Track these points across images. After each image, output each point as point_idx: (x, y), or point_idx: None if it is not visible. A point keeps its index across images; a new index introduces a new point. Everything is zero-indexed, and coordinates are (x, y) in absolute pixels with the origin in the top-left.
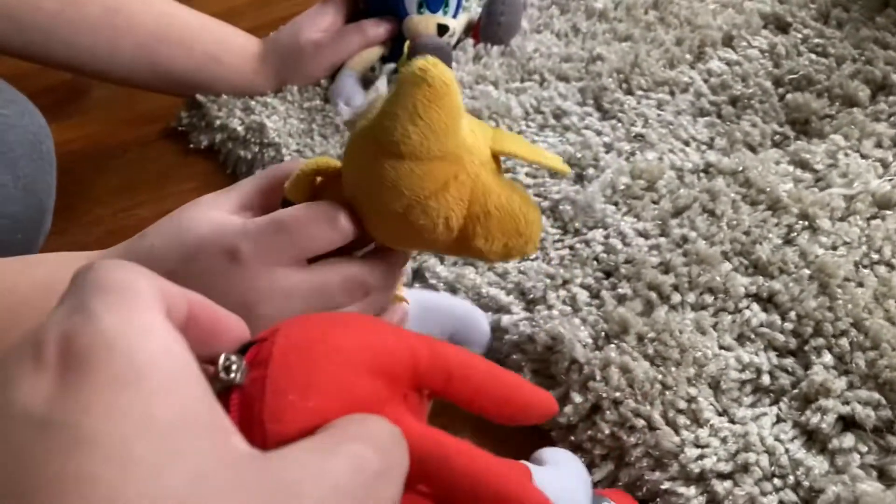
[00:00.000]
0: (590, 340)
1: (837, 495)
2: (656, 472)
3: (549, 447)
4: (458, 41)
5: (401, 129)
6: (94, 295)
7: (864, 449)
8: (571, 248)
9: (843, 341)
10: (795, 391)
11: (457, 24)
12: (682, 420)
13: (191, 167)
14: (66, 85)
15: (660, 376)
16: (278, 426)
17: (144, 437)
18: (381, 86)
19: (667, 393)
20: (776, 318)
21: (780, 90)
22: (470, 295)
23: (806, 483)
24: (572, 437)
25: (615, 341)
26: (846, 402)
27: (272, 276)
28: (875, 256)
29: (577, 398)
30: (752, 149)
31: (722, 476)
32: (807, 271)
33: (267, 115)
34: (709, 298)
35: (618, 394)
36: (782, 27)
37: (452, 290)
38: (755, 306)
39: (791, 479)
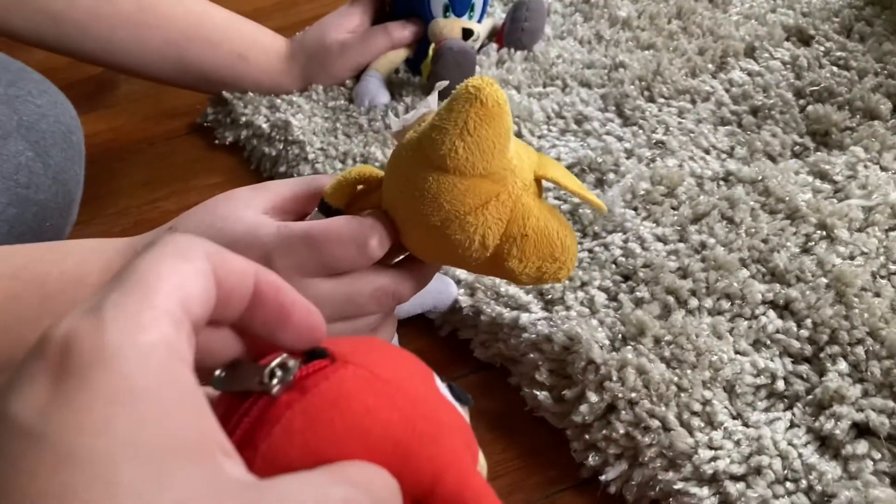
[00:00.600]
0: (607, 342)
1: (850, 500)
2: (670, 472)
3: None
4: (482, 46)
5: (449, 144)
6: (115, 289)
7: (878, 456)
8: (591, 251)
9: (859, 350)
10: (810, 397)
11: (481, 29)
12: (696, 422)
13: (215, 162)
14: (96, 79)
15: (675, 378)
16: (268, 467)
17: (133, 461)
18: (433, 101)
19: (682, 395)
20: (792, 324)
21: (801, 101)
22: (489, 294)
23: (818, 487)
24: (587, 436)
25: (632, 343)
26: (860, 410)
27: (302, 284)
28: (892, 267)
29: (593, 398)
30: (772, 158)
31: (735, 478)
32: (824, 280)
33: (292, 114)
34: (726, 304)
35: (633, 394)
36: (805, 40)
37: (471, 289)
38: (771, 313)
39: (804, 483)
